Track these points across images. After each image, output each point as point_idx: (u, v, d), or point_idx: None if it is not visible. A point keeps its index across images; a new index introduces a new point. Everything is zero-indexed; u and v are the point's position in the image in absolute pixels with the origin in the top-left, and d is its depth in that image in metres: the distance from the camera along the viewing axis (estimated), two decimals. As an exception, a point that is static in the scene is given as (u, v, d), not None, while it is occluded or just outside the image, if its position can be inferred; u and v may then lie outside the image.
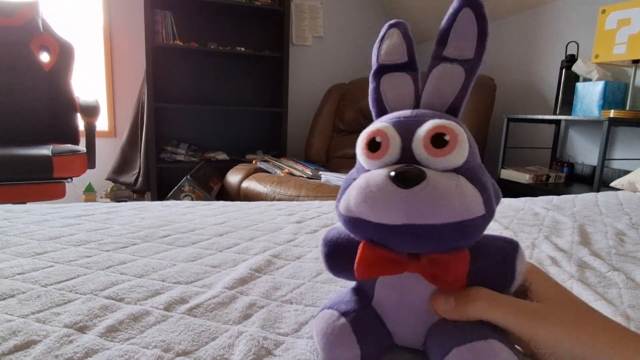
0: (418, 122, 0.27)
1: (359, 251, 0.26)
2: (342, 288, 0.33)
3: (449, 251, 0.25)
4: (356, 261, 0.26)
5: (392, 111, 0.30)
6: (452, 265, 0.25)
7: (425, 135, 0.25)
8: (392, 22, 0.32)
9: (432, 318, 0.27)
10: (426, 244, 0.24)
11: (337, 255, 0.31)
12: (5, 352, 0.29)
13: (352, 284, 0.32)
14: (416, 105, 0.30)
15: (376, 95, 0.31)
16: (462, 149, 0.25)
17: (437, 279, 0.26)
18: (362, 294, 0.30)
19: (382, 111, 0.31)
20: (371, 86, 0.31)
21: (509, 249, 0.27)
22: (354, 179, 0.27)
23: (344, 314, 0.28)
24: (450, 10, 0.29)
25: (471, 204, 0.24)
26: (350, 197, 0.25)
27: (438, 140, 0.25)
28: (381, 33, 0.32)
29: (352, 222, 0.26)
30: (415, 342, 0.29)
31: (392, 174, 0.24)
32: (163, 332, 0.33)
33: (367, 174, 0.26)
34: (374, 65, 0.31)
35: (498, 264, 0.27)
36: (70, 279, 0.42)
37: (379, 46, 0.31)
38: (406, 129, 0.26)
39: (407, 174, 0.24)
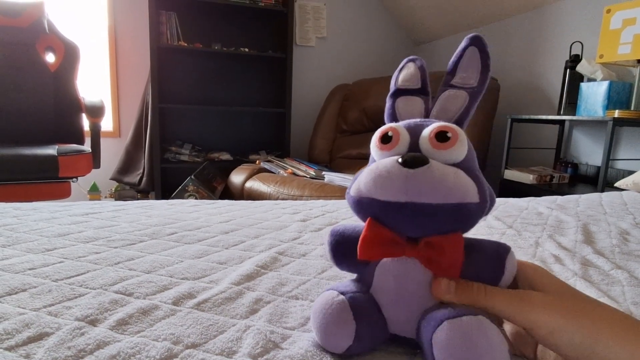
0: (426, 124, 0.31)
1: (363, 230, 0.29)
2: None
3: (444, 235, 0.28)
4: (360, 240, 0.29)
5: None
6: (447, 248, 0.27)
7: (431, 132, 0.29)
8: (410, 57, 0.38)
9: (427, 305, 0.29)
10: (424, 222, 0.27)
11: (342, 246, 0.33)
12: (19, 344, 0.30)
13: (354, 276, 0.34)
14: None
15: (391, 111, 0.36)
16: (462, 146, 0.29)
17: (433, 263, 0.28)
18: (362, 283, 0.32)
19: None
20: (388, 104, 0.36)
21: (501, 249, 0.30)
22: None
23: (342, 293, 0.30)
24: (460, 47, 0.34)
25: (467, 190, 0.27)
26: (361, 179, 0.29)
27: (441, 136, 0.29)
28: (400, 65, 0.38)
29: (359, 201, 0.29)
30: (409, 329, 0.30)
31: (400, 159, 0.28)
32: (172, 326, 0.33)
33: (379, 161, 0.29)
34: (392, 89, 0.37)
35: (489, 259, 0.29)
36: (80, 274, 0.43)
37: (397, 74, 0.37)
38: (415, 129, 0.31)
39: (413, 157, 0.27)
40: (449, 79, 0.35)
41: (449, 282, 0.27)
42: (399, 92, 0.36)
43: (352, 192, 0.30)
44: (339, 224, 0.34)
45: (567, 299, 0.25)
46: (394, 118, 0.35)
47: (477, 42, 0.34)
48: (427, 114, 0.34)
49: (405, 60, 0.38)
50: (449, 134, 0.29)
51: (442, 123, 0.30)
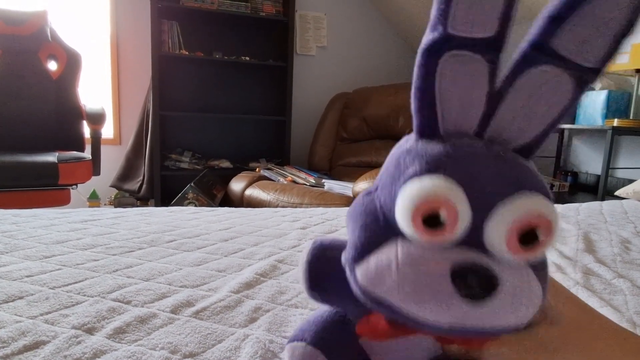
0: (501, 190, 0.18)
1: (370, 323, 0.21)
2: None
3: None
4: (363, 329, 0.22)
5: (446, 123, 0.20)
6: (474, 344, 0.21)
7: (512, 226, 0.17)
8: None
9: (427, 356, 0.25)
10: (464, 338, 0.20)
11: (324, 285, 0.25)
12: (15, 352, 0.29)
13: None
14: (483, 123, 0.20)
15: (425, 92, 0.19)
16: (550, 247, 0.18)
17: (449, 343, 0.22)
18: (349, 326, 0.25)
19: (429, 122, 0.20)
20: (420, 71, 0.19)
21: None
22: (379, 234, 0.20)
23: (328, 355, 0.25)
24: None
25: (534, 310, 0.19)
26: (384, 279, 0.18)
27: (528, 236, 0.17)
28: None
29: (375, 302, 0.19)
30: None
31: (455, 273, 0.17)
32: (170, 334, 0.33)
33: (415, 257, 0.18)
34: (434, 31, 0.18)
35: None
36: (78, 282, 0.42)
37: None
38: (482, 199, 0.18)
39: (477, 283, 0.17)
40: (548, 35, 0.18)
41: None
42: (452, 43, 0.18)
43: (361, 280, 0.19)
44: (317, 248, 0.26)
45: (580, 335, 0.24)
46: (430, 110, 0.19)
47: None
48: (490, 106, 0.19)
49: None
50: (541, 234, 0.17)
51: (531, 204, 0.17)
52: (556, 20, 0.17)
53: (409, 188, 0.18)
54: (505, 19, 0.18)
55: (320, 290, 0.25)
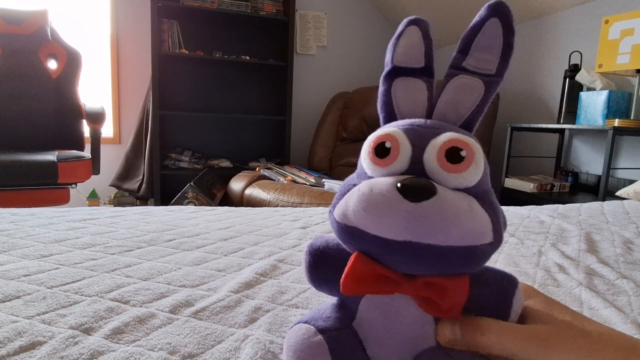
0: (433, 132, 0.24)
1: (349, 263, 0.24)
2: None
3: (448, 276, 0.23)
4: (344, 274, 0.23)
5: (401, 117, 0.28)
6: (449, 291, 0.23)
7: (441, 147, 0.23)
8: (411, 18, 0.29)
9: (419, 346, 0.25)
10: (426, 265, 0.22)
11: (323, 267, 0.28)
12: (11, 353, 0.29)
13: (334, 299, 0.30)
14: (428, 115, 0.28)
15: (386, 98, 0.29)
16: (477, 168, 0.23)
17: (431, 305, 0.24)
18: (344, 311, 0.28)
19: (390, 116, 0.29)
20: (381, 88, 0.29)
21: (507, 284, 0.26)
22: (354, 185, 0.25)
23: (320, 330, 0.26)
24: (477, 18, 0.27)
25: (481, 229, 0.22)
26: (349, 204, 0.23)
27: (453, 154, 0.23)
28: (399, 29, 0.29)
29: (347, 231, 0.23)
30: None
31: (400, 184, 0.22)
32: (169, 335, 0.32)
33: (371, 181, 0.23)
34: (388, 66, 0.29)
35: (494, 297, 0.25)
36: (76, 281, 0.42)
37: (395, 44, 0.29)
38: (419, 138, 0.24)
39: (417, 186, 0.22)
40: (460, 60, 0.27)
41: (454, 327, 0.24)
42: (397, 72, 0.28)
43: (337, 216, 0.24)
44: (319, 237, 0.29)
45: (576, 334, 0.23)
46: (389, 107, 0.28)
47: (500, 12, 0.26)
48: (430, 106, 0.28)
49: (405, 23, 0.29)
50: (464, 152, 0.23)
51: (454, 135, 0.24)
52: (461, 52, 0.27)
53: (367, 139, 0.26)
54: (428, 57, 0.28)
55: (320, 271, 0.28)
